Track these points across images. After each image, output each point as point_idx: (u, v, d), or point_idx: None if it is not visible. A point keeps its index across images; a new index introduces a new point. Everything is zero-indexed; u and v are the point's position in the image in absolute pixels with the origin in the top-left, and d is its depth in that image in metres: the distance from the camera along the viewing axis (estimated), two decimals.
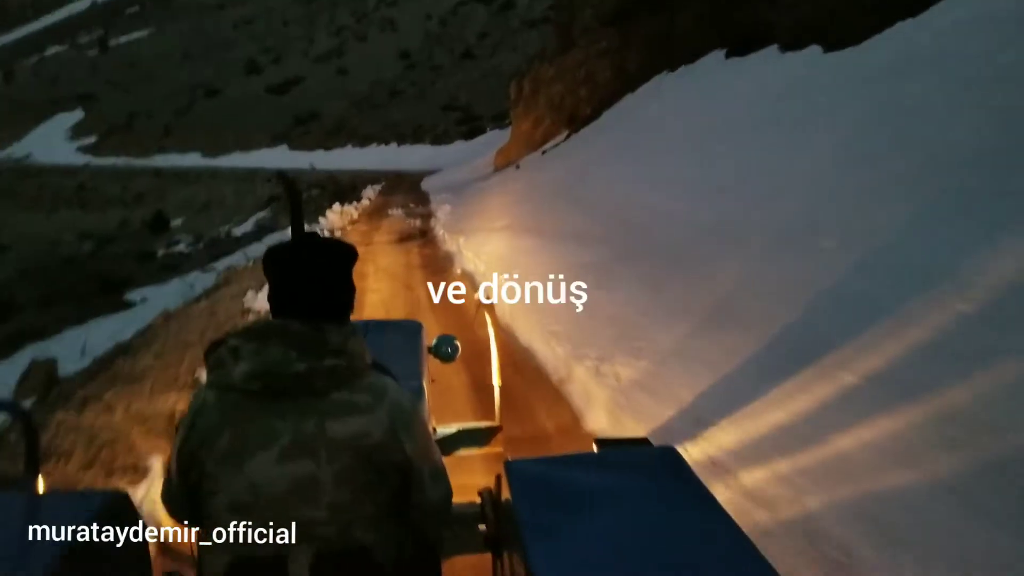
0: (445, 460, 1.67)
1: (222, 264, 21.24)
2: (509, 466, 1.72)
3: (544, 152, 18.07)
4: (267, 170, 57.67)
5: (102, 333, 11.36)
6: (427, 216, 17.02)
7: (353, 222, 17.42)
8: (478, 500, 2.11)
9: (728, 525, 1.42)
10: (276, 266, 1.55)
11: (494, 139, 49.58)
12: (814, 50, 10.81)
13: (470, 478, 2.43)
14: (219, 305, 8.21)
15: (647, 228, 8.27)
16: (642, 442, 2.07)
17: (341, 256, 1.59)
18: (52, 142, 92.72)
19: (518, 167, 18.10)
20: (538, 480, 1.62)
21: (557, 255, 8.04)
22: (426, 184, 28.97)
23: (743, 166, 8.64)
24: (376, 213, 19.57)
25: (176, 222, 53.20)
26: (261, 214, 36.20)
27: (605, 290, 6.26)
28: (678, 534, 1.42)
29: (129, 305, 17.49)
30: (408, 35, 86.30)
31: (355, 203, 20.15)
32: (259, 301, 7.78)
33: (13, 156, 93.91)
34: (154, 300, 16.81)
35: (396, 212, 18.83)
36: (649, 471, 1.66)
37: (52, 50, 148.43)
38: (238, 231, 46.80)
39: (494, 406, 3.46)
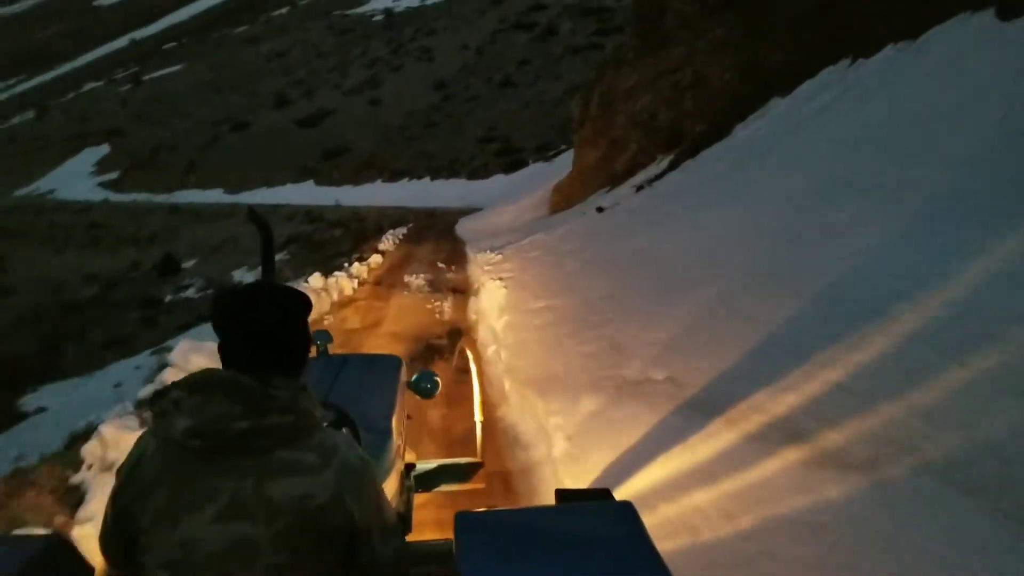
0: (426, 496, 2.11)
1: (180, 342, 15.83)
2: (459, 516, 1.66)
3: (640, 189, 12.05)
4: (291, 206, 53.92)
5: None
6: (462, 291, 11.03)
7: (340, 305, 11.12)
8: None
9: None
10: (222, 316, 1.47)
11: (538, 173, 44.70)
12: None
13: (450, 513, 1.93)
14: None
15: None
16: (603, 494, 1.93)
17: (291, 305, 1.50)
18: (76, 178, 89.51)
19: (601, 211, 12.06)
20: (485, 530, 1.61)
21: None
22: (463, 228, 22.82)
23: None
24: (386, 280, 13.41)
25: (188, 264, 49.65)
26: (278, 256, 31.97)
27: None
28: None
29: (19, 417, 11.99)
30: (444, 65, 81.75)
31: (352, 266, 13.87)
32: None
33: (37, 192, 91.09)
34: (59, 413, 11.51)
35: (416, 280, 12.62)
36: (599, 525, 1.61)
37: (87, 87, 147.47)
38: (249, 276, 42.96)
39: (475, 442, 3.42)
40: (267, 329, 1.43)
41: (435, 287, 11.96)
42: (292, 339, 1.48)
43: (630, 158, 14.55)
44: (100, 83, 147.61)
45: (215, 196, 67.61)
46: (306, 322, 1.52)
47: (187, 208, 62.14)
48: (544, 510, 1.87)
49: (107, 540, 1.47)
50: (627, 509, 1.62)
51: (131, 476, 1.38)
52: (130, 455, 1.43)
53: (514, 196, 29.29)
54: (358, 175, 60.64)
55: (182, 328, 17.92)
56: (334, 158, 66.69)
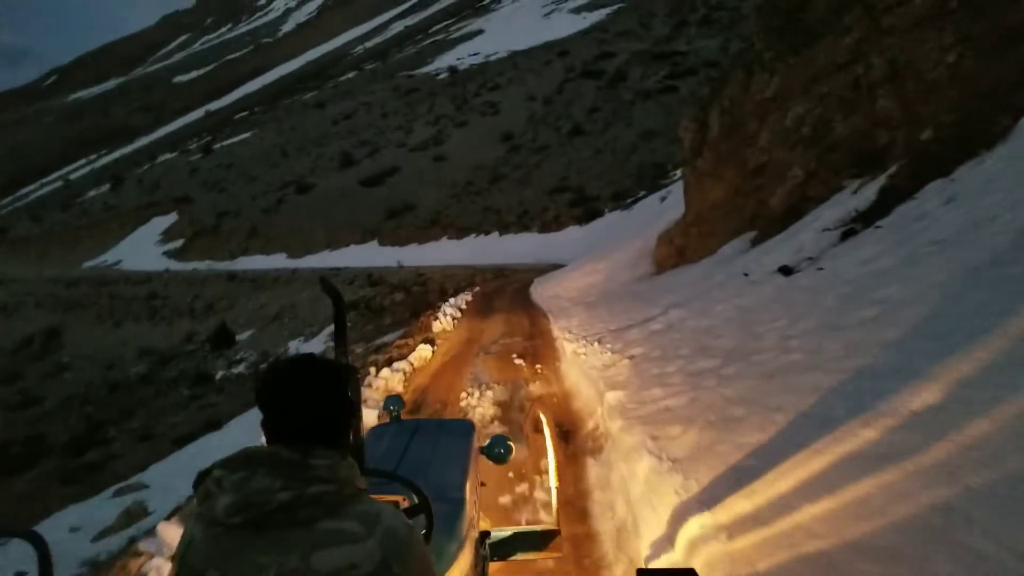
0: (501, 565, 1.95)
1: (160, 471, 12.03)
2: None
3: (852, 233, 7.23)
4: (353, 270, 51.09)
5: None
6: (565, 432, 5.96)
7: None
8: None
9: None
10: (263, 394, 1.47)
11: (616, 222, 40.52)
12: None
13: None
14: None
15: None
16: (687, 574, 1.68)
17: (330, 379, 1.48)
18: (142, 248, 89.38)
19: (789, 273, 7.26)
20: None
21: None
22: (540, 293, 17.98)
23: None
24: (432, 397, 8.23)
25: (243, 335, 46.96)
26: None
27: None
28: None
29: None
30: (510, 118, 78.68)
31: (380, 374, 9.11)
32: None
33: (104, 263, 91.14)
34: None
35: (480, 405, 7.14)
36: None
37: (162, 158, 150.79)
38: (305, 347, 39.40)
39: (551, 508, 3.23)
40: (307, 404, 1.41)
41: (514, 422, 6.64)
42: (333, 412, 1.46)
43: (793, 189, 9.94)
44: (174, 154, 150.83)
45: (277, 261, 65.51)
46: (346, 393, 1.50)
47: (245, 275, 59.76)
48: None
49: None
50: None
51: (183, 562, 1.36)
52: (181, 540, 1.40)
53: (598, 249, 24.81)
54: (423, 233, 57.53)
55: (182, 441, 14.01)
56: (398, 216, 63.86)
